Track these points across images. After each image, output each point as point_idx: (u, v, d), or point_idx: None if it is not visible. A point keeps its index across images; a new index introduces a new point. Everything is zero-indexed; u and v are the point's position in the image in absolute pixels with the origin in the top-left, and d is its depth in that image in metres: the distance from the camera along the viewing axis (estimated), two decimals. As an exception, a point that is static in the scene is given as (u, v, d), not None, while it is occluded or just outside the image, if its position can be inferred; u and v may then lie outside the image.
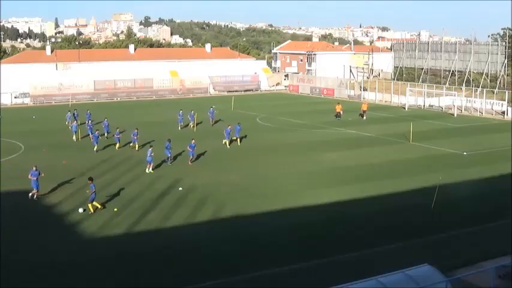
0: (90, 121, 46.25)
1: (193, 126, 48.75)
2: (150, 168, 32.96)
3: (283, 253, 21.15)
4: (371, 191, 29.36)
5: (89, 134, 42.75)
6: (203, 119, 51.56)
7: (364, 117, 56.24)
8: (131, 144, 40.09)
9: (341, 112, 55.37)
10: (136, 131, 39.94)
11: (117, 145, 39.82)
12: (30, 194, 27.48)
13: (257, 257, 20.90)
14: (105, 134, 43.94)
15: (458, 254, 20.98)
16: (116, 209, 25.92)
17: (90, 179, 26.29)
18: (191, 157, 35.32)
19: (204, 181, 31.06)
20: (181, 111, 49.82)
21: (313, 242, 22.35)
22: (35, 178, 27.46)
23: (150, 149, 32.97)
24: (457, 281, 17.06)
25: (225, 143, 41.01)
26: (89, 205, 25.54)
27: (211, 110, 51.93)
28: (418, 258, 18.13)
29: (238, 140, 41.89)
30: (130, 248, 21.47)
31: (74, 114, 50.27)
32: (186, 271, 19.56)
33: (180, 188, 29.60)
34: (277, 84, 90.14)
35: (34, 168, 27.80)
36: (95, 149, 38.77)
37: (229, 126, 41.43)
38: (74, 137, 42.97)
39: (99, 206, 25.87)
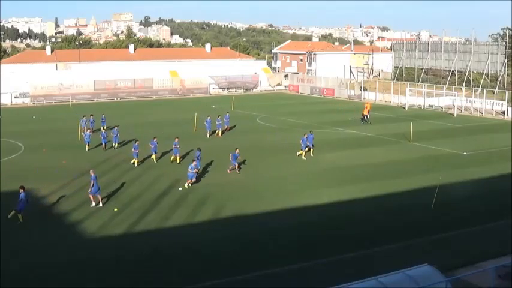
0: (104, 128, 42.98)
1: (218, 133, 45.56)
2: (188, 184, 29.71)
3: (283, 253, 21.14)
4: (371, 191, 29.36)
5: (101, 144, 39.54)
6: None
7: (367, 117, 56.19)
8: (172, 157, 35.68)
9: (368, 115, 53.61)
10: (177, 140, 35.38)
11: (153, 156, 35.72)
12: (94, 204, 26.38)
13: (257, 257, 20.90)
14: (114, 145, 40.02)
15: (458, 254, 20.97)
16: (115, 209, 25.93)
17: (22, 187, 24.68)
18: (233, 166, 32.83)
19: (204, 181, 31.06)
20: (209, 117, 45.58)
21: (313, 242, 22.35)
22: (97, 188, 26.37)
23: (193, 164, 29.86)
24: (457, 281, 17.06)
25: (301, 154, 37.08)
26: (17, 214, 24.16)
27: (227, 116, 48.06)
28: (418, 258, 18.13)
29: (311, 150, 37.55)
30: (131, 248, 21.47)
31: (89, 120, 45.49)
32: (186, 271, 19.56)
33: (180, 188, 29.59)
34: (278, 84, 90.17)
35: (92, 173, 26.64)
36: (135, 163, 34.71)
37: (305, 135, 37.30)
38: (87, 148, 39.06)
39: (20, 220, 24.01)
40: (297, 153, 37.27)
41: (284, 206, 26.68)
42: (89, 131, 40.80)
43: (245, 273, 19.06)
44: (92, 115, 46.27)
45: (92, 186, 26.36)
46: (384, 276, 15.18)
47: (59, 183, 30.28)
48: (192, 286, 18.18)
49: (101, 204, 26.42)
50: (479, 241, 22.54)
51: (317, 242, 22.34)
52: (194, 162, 30.00)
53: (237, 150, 33.00)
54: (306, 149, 37.16)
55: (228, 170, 32.89)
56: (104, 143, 39.44)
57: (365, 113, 53.49)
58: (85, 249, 21.41)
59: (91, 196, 26.48)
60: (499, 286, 17.02)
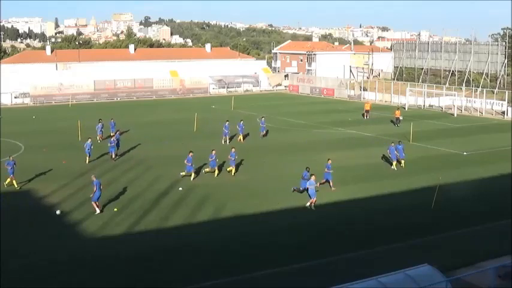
0: (113, 134, 39.71)
1: (240, 139, 42.59)
2: (312, 204, 26.49)
3: (283, 253, 21.14)
4: (371, 191, 29.34)
5: (110, 153, 36.36)
6: (249, 130, 45.22)
7: (367, 117, 56.21)
8: (229, 168, 32.74)
9: (400, 118, 51.39)
10: (233, 150, 32.74)
11: (213, 170, 32.27)
12: (98, 211, 25.40)
13: (257, 257, 20.88)
14: (116, 152, 36.96)
15: (458, 254, 20.97)
16: (115, 209, 25.92)
17: None
18: (327, 180, 29.60)
19: (204, 181, 31.04)
20: (227, 122, 42.44)
21: (313, 242, 22.35)
22: (98, 195, 25.45)
23: (312, 179, 26.66)
24: (457, 281, 17.06)
25: (394, 164, 34.23)
26: None
27: (262, 121, 45.28)
28: (418, 258, 18.13)
29: (403, 161, 34.61)
30: (131, 248, 21.47)
31: (101, 125, 42.87)
32: (186, 271, 19.56)
33: (180, 188, 29.59)
34: (278, 84, 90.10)
35: (94, 178, 25.82)
36: (192, 177, 31.44)
37: (393, 144, 34.76)
38: (88, 160, 35.33)
39: None
40: (392, 167, 34.27)
41: (284, 206, 26.68)
42: (89, 141, 35.75)
43: (245, 273, 19.06)
44: (100, 120, 43.77)
45: (95, 191, 25.39)
46: (384, 276, 15.19)
47: (59, 183, 30.29)
48: (192, 286, 18.18)
49: (98, 211, 25.33)
50: (479, 241, 22.53)
51: (317, 242, 22.34)
52: (313, 177, 26.90)
53: (330, 161, 29.97)
54: (395, 161, 34.25)
55: (332, 188, 29.29)
56: (111, 152, 36.33)
57: (397, 115, 51.62)
58: (85, 249, 21.40)
59: (94, 203, 25.39)
60: (499, 286, 17.02)
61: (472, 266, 19.48)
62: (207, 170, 32.53)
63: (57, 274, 19.25)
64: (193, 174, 31.41)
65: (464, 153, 39.27)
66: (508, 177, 32.13)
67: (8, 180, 29.50)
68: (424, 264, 16.14)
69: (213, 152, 32.26)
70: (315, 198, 26.44)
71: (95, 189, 25.43)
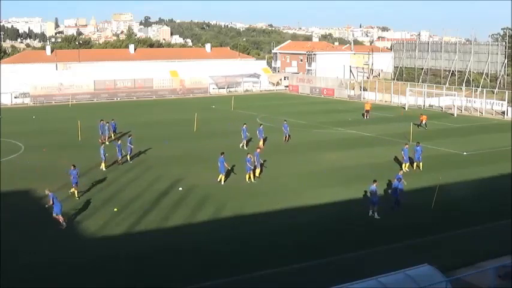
0: (113, 135, 38.43)
1: (261, 144, 39.98)
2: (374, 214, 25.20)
3: (283, 253, 21.14)
4: (371, 191, 29.31)
5: (118, 157, 34.63)
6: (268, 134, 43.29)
7: (367, 117, 56.19)
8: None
9: (425, 122, 49.71)
10: (259, 151, 32.39)
11: (248, 175, 31.21)
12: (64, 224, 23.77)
13: (257, 257, 20.89)
14: (128, 156, 35.78)
15: (458, 254, 20.97)
16: (115, 209, 25.92)
17: None
18: (400, 189, 26.61)
19: (204, 181, 31.02)
20: (245, 125, 40.65)
21: (313, 242, 22.35)
22: (59, 207, 23.66)
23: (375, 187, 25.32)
24: (457, 281, 17.06)
25: (406, 166, 33.40)
26: None
27: (285, 125, 43.47)
28: (418, 258, 18.13)
29: (421, 164, 34.10)
30: (131, 248, 21.46)
31: (106, 125, 40.65)
32: (186, 271, 19.56)
33: (180, 188, 29.59)
34: (277, 83, 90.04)
35: (48, 192, 24.13)
36: (220, 180, 30.67)
37: (406, 146, 34.01)
38: (103, 166, 33.47)
39: None
40: (404, 170, 32.36)
41: (284, 206, 26.67)
42: (102, 146, 34.49)
43: (245, 273, 19.06)
44: (102, 120, 42.32)
45: (53, 204, 23.46)
46: (384, 276, 15.19)
47: (59, 183, 30.23)
48: (192, 286, 18.18)
49: (64, 225, 23.54)
50: (479, 241, 22.53)
51: (317, 242, 22.34)
52: (375, 183, 25.90)
53: (401, 172, 28.11)
54: (407, 163, 33.33)
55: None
56: (119, 156, 34.72)
57: (423, 119, 50.02)
58: (85, 249, 21.41)
59: (56, 217, 23.46)
60: (499, 286, 17.02)
61: (472, 266, 19.49)
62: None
63: (57, 274, 19.25)
64: (223, 177, 30.69)
65: (464, 153, 39.26)
66: (508, 177, 32.12)
67: (73, 189, 27.99)
68: (424, 264, 16.14)
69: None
70: (376, 207, 25.38)
71: (51, 202, 23.57)
